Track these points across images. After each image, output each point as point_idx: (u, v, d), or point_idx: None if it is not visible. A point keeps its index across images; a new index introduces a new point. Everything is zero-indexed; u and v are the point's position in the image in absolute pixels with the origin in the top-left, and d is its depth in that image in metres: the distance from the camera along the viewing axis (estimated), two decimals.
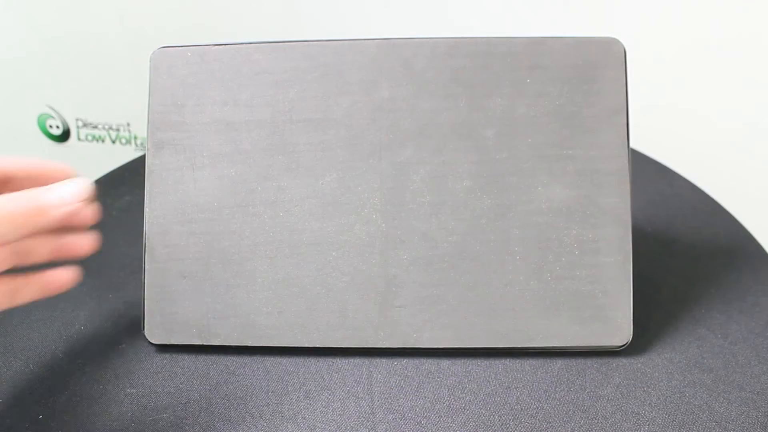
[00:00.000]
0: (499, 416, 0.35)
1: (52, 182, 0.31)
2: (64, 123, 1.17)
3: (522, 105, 0.38)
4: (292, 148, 0.39)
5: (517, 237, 0.38)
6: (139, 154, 0.96)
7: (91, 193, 0.31)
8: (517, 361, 0.39)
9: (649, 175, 0.60)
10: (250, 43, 0.39)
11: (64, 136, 1.18)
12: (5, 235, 0.29)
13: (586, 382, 0.38)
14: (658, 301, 0.44)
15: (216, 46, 0.39)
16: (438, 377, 0.38)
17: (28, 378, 0.38)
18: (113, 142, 1.12)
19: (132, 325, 0.42)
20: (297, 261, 0.39)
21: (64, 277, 0.34)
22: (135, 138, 1.10)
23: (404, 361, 0.39)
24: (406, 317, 0.38)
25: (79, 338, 0.41)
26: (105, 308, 0.44)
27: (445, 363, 0.39)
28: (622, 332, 0.38)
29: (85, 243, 0.35)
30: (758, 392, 0.37)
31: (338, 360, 0.39)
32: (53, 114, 1.16)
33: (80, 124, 1.16)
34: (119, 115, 1.14)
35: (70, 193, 0.31)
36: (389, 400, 0.37)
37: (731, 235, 0.51)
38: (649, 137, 0.62)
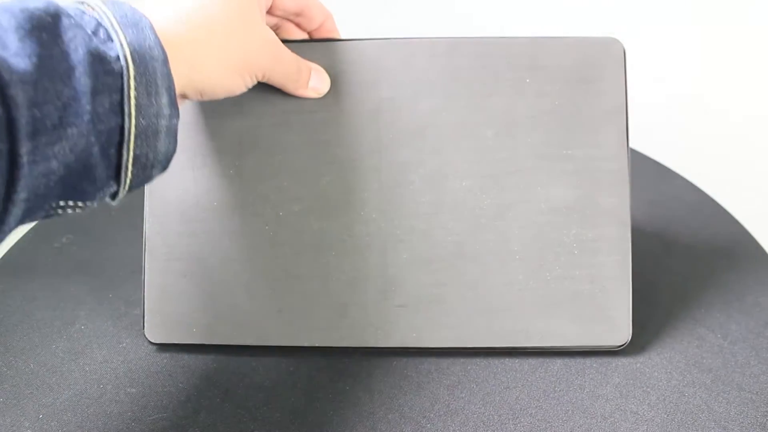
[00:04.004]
0: (498, 416, 0.35)
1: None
2: None
3: (522, 105, 0.38)
4: (292, 148, 0.39)
5: (516, 237, 0.38)
6: None
7: None
8: (517, 360, 0.39)
9: (648, 175, 0.60)
10: None
11: None
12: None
13: (585, 381, 0.38)
14: (657, 301, 0.44)
15: None
16: (437, 377, 0.38)
17: (28, 378, 0.38)
18: None
19: (132, 325, 0.42)
20: (297, 261, 0.39)
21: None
22: None
23: (404, 360, 0.39)
24: (405, 317, 0.38)
25: (79, 338, 0.41)
26: (105, 308, 0.44)
27: (444, 362, 0.39)
28: (621, 332, 0.38)
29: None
30: (758, 392, 0.37)
31: (338, 360, 0.39)
32: None
33: None
34: None
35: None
36: (389, 400, 0.37)
37: (731, 235, 0.51)
38: (649, 137, 0.62)
